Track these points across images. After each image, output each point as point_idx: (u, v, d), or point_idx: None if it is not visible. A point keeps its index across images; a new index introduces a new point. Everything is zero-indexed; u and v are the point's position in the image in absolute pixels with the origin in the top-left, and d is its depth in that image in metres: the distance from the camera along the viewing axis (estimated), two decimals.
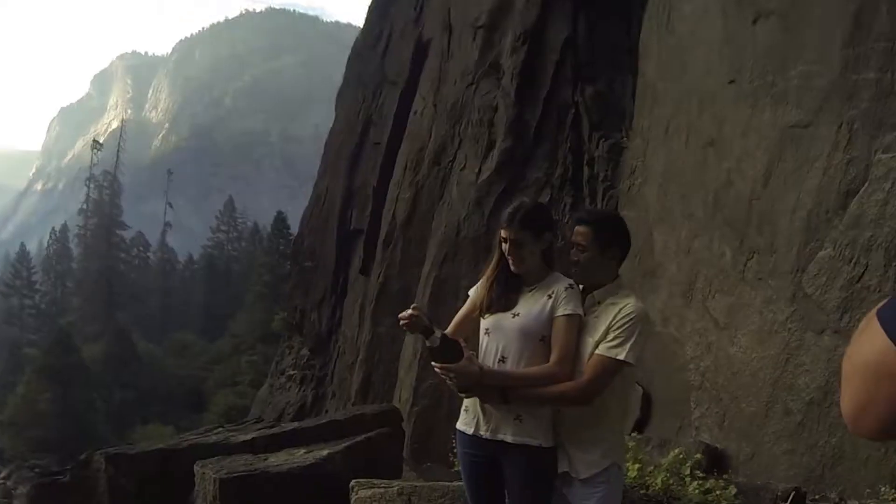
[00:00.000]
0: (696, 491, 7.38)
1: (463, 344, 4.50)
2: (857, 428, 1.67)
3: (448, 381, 4.49)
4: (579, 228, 4.62)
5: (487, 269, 4.75)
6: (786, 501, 7.98)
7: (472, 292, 4.83)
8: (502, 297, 4.59)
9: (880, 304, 1.62)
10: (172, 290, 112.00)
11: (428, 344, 4.41)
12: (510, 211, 4.61)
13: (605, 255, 4.58)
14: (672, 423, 11.55)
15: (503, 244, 4.57)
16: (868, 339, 1.60)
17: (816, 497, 8.71)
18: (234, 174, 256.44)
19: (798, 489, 8.39)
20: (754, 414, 9.88)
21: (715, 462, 9.99)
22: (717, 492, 7.40)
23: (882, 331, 1.54)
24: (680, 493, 7.47)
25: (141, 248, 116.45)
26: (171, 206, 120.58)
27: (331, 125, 39.48)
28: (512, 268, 4.56)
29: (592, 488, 4.44)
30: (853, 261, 8.90)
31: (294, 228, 60.89)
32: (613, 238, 4.64)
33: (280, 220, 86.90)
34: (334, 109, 39.33)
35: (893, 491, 7.71)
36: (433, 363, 4.45)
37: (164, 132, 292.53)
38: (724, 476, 8.35)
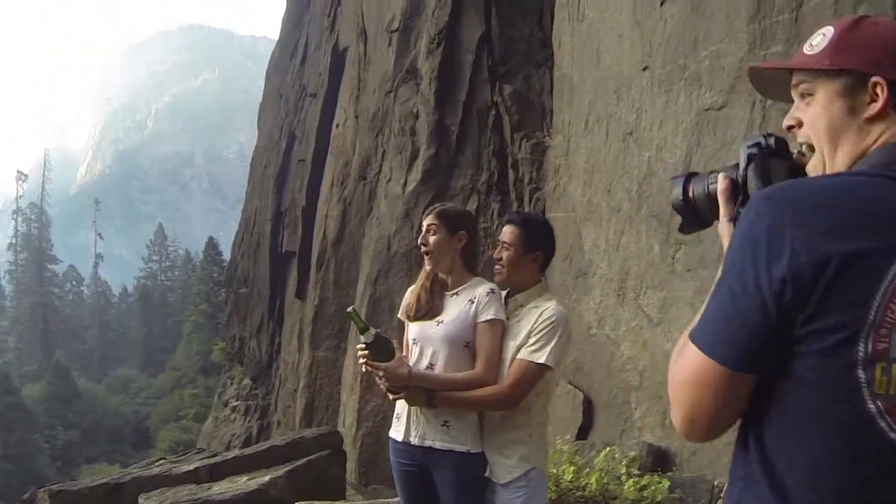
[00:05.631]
0: (632, 489, 7.43)
1: (395, 345, 4.55)
2: (691, 434, 1.94)
3: (377, 381, 4.54)
4: (506, 228, 4.68)
5: (419, 277, 4.81)
6: (722, 492, 8.01)
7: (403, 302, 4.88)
8: (427, 304, 4.64)
9: (690, 328, 1.91)
10: (109, 324, 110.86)
11: (363, 339, 4.44)
12: (431, 206, 4.76)
13: (528, 255, 4.60)
14: (615, 427, 11.50)
15: (420, 238, 4.67)
16: (687, 357, 1.87)
17: None
18: (163, 200, 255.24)
19: None
20: None
21: (660, 461, 9.99)
22: (653, 487, 7.43)
23: (696, 348, 1.84)
24: (616, 493, 7.53)
25: (74, 283, 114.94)
26: (100, 237, 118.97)
27: (255, 142, 39.25)
28: (426, 263, 4.65)
29: (514, 493, 4.45)
30: None
31: (226, 254, 60.53)
32: (538, 239, 4.67)
33: (212, 245, 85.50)
34: (257, 126, 39.13)
35: None
36: (363, 360, 4.48)
37: (88, 159, 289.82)
38: (669, 473, 8.36)
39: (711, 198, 2.21)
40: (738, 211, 2.09)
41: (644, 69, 11.58)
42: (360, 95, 23.52)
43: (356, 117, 23.37)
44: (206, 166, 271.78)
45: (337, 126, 25.38)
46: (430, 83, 19.52)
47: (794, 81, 2.14)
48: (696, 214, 2.30)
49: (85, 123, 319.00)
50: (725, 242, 2.08)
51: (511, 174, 17.58)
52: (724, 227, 2.14)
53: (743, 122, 9.47)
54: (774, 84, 2.26)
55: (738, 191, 2.14)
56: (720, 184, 2.17)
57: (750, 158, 2.12)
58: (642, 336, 11.02)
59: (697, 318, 1.91)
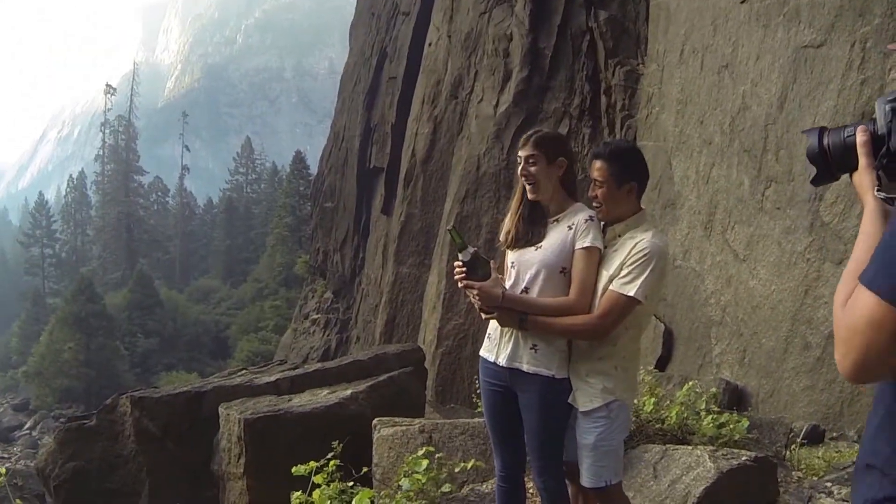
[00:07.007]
0: (710, 425, 7.38)
1: (493, 265, 4.54)
2: (860, 377, 1.90)
3: (471, 299, 4.54)
4: (595, 163, 4.52)
5: (512, 203, 4.77)
6: (799, 437, 7.97)
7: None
8: (528, 233, 4.61)
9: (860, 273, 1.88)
10: (192, 234, 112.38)
11: (460, 257, 4.45)
12: (526, 134, 4.62)
13: (623, 188, 4.48)
14: (694, 361, 11.47)
15: (520, 169, 4.57)
16: (862, 303, 1.84)
17: (835, 435, 8.66)
18: (250, 113, 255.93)
19: (816, 426, 8.36)
20: (774, 349, 9.80)
21: (735, 399, 9.95)
22: (731, 425, 7.39)
23: (872, 294, 1.82)
24: (694, 428, 7.49)
25: (159, 193, 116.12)
26: (187, 149, 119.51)
27: (345, 59, 39.27)
28: (528, 192, 4.56)
29: (592, 422, 4.44)
30: None
31: (313, 168, 60.70)
32: (629, 170, 4.51)
33: (299, 159, 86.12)
34: (348, 43, 39.12)
35: None
36: (459, 277, 4.47)
37: (176, 73, 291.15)
38: (745, 412, 8.31)
39: (848, 149, 2.26)
40: (880, 162, 2.14)
41: (742, 2, 11.37)
42: (453, 15, 23.40)
43: (449, 37, 23.29)
44: (296, 81, 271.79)
45: (429, 45, 25.29)
46: (525, 6, 19.36)
47: None
48: (828, 165, 2.37)
49: (174, 39, 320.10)
50: (864, 192, 2.16)
51: (603, 100, 17.45)
52: (863, 177, 2.19)
53: (841, 63, 9.26)
54: None
55: (878, 143, 2.17)
56: (860, 136, 2.20)
57: (895, 112, 2.12)
58: (727, 271, 10.95)
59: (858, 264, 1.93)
